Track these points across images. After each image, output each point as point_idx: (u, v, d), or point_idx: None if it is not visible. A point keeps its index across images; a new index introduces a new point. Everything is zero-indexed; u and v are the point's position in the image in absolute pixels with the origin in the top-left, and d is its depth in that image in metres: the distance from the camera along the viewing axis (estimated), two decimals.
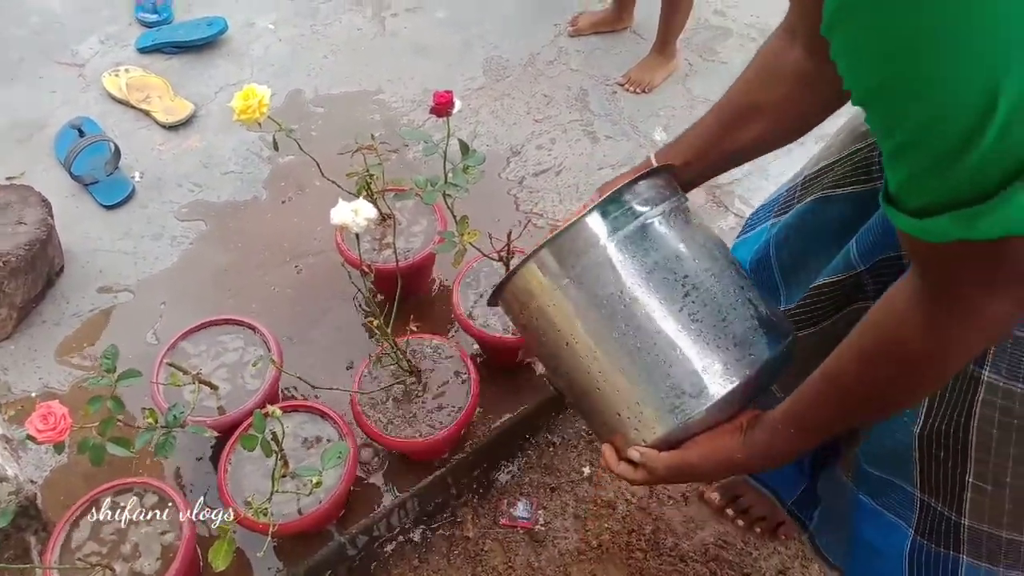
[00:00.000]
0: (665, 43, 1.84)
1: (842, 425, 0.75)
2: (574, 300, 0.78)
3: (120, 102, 1.83)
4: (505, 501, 1.33)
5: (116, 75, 1.86)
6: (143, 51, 1.95)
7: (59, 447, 0.83)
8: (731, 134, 0.86)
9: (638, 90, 1.86)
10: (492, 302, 0.88)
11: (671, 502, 1.33)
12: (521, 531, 1.30)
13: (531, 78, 1.91)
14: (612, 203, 0.78)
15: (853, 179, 0.84)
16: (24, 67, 1.91)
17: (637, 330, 0.76)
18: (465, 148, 1.12)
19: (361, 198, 1.01)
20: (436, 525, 1.31)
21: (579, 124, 1.80)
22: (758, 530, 1.28)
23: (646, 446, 0.78)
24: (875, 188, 0.81)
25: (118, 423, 0.90)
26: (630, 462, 0.80)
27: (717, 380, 0.75)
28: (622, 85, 1.87)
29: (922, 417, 0.74)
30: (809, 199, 0.91)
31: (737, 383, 0.75)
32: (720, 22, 2.06)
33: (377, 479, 1.25)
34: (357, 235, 0.96)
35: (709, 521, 1.32)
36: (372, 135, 1.11)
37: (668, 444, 0.78)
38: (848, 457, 0.90)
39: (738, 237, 1.13)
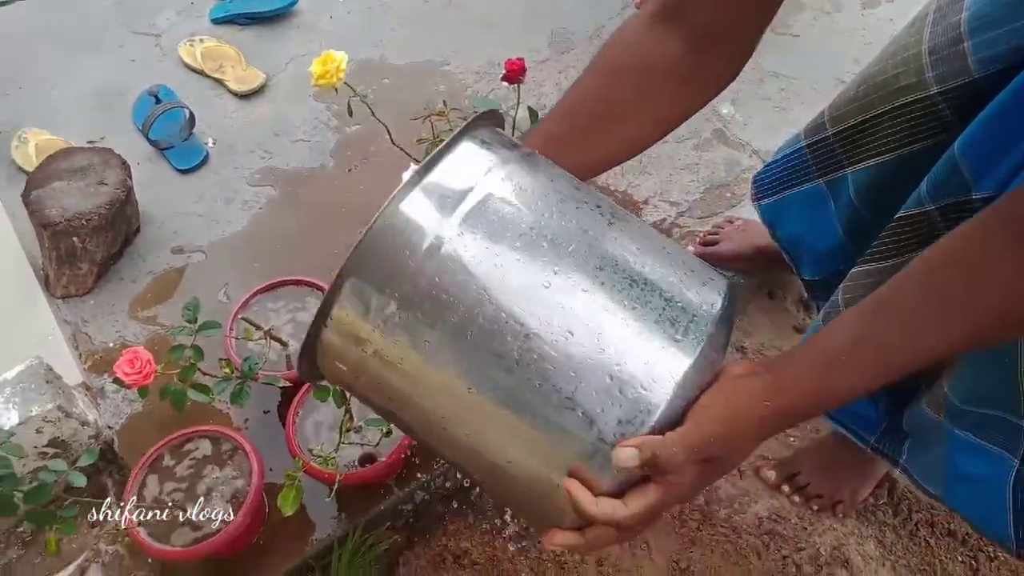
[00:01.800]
0: None
1: (956, 349, 0.60)
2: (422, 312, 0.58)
3: (195, 71, 1.89)
4: None
5: (191, 45, 1.91)
6: (217, 22, 2.00)
7: (143, 391, 0.88)
8: (587, 141, 0.72)
9: None
10: (306, 376, 0.68)
11: (725, 476, 1.33)
12: None
13: (596, 51, 1.89)
14: (421, 188, 0.60)
15: (925, 133, 0.83)
16: (106, 37, 1.98)
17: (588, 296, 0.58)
18: (534, 116, 1.13)
19: None
20: None
21: None
22: (815, 507, 1.27)
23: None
24: (949, 137, 0.80)
25: (198, 371, 0.94)
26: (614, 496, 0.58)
27: (694, 320, 0.59)
28: None
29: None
30: (874, 160, 0.90)
31: (718, 307, 0.61)
32: None
33: None
34: None
35: (763, 495, 1.31)
36: (444, 102, 1.12)
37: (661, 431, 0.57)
38: (935, 396, 0.88)
39: (761, 198, 1.13)
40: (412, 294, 0.58)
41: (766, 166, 1.18)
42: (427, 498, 1.29)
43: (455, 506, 1.32)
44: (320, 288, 1.31)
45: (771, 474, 1.31)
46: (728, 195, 1.61)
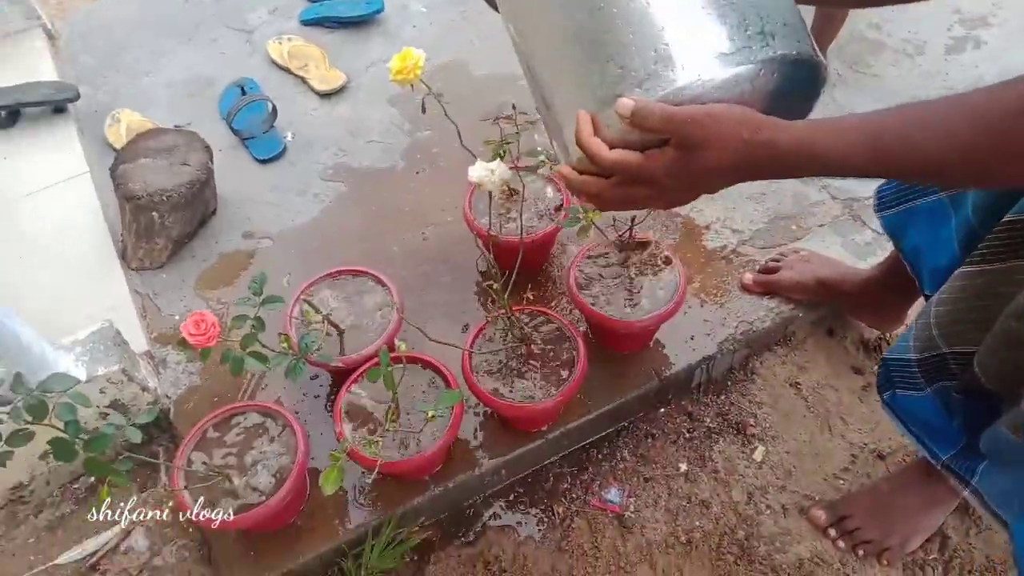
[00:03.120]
0: None
1: (951, 176, 0.68)
2: None
3: (280, 68, 1.97)
4: (597, 483, 1.34)
5: (279, 43, 2.00)
6: (306, 23, 2.08)
7: (205, 353, 0.91)
8: None
9: None
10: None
11: (768, 511, 1.30)
12: (610, 514, 1.30)
13: None
14: None
15: None
16: (201, 30, 2.09)
17: None
18: None
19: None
20: (525, 496, 1.33)
21: None
22: (860, 552, 1.23)
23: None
24: None
25: (258, 343, 0.97)
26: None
27: (749, 50, 0.68)
28: None
29: None
30: None
31: (777, 54, 0.68)
32: (875, 36, 1.98)
33: (475, 441, 1.29)
34: (490, 194, 1.00)
35: (807, 537, 1.27)
36: (512, 105, 1.15)
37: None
38: (1014, 418, 0.85)
39: (884, 210, 1.11)
40: None
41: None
42: (461, 498, 1.30)
43: (491, 511, 1.32)
44: (378, 279, 1.34)
45: (820, 514, 1.27)
46: (793, 227, 1.58)
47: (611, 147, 0.71)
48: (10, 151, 1.76)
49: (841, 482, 1.34)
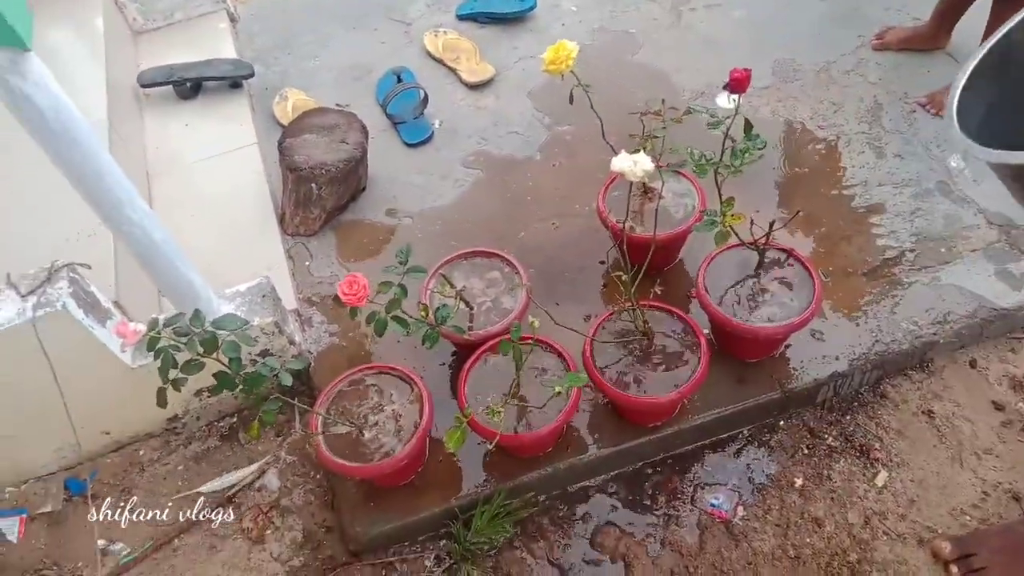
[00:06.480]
0: None
1: None
2: None
3: (434, 59, 2.07)
4: (706, 487, 1.33)
5: (435, 35, 2.10)
6: (461, 18, 2.18)
7: (354, 311, 1.00)
8: None
9: (941, 113, 1.73)
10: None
11: (885, 537, 1.25)
12: (717, 520, 1.30)
13: (822, 84, 1.85)
14: None
15: None
16: (366, 20, 2.23)
17: None
18: (749, 127, 1.14)
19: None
20: (632, 488, 1.35)
21: (865, 137, 1.72)
22: None
23: None
24: None
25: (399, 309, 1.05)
26: None
27: None
28: (923, 105, 1.75)
29: None
30: None
31: None
32: None
33: (587, 428, 1.32)
34: (630, 185, 1.03)
35: (923, 569, 1.22)
36: (662, 100, 1.17)
37: None
38: None
39: None
40: None
41: None
42: (570, 481, 1.33)
43: (596, 498, 1.34)
44: (509, 262, 1.39)
45: (946, 546, 1.20)
46: (943, 250, 1.51)
47: None
48: (191, 119, 1.95)
49: (968, 518, 1.27)
